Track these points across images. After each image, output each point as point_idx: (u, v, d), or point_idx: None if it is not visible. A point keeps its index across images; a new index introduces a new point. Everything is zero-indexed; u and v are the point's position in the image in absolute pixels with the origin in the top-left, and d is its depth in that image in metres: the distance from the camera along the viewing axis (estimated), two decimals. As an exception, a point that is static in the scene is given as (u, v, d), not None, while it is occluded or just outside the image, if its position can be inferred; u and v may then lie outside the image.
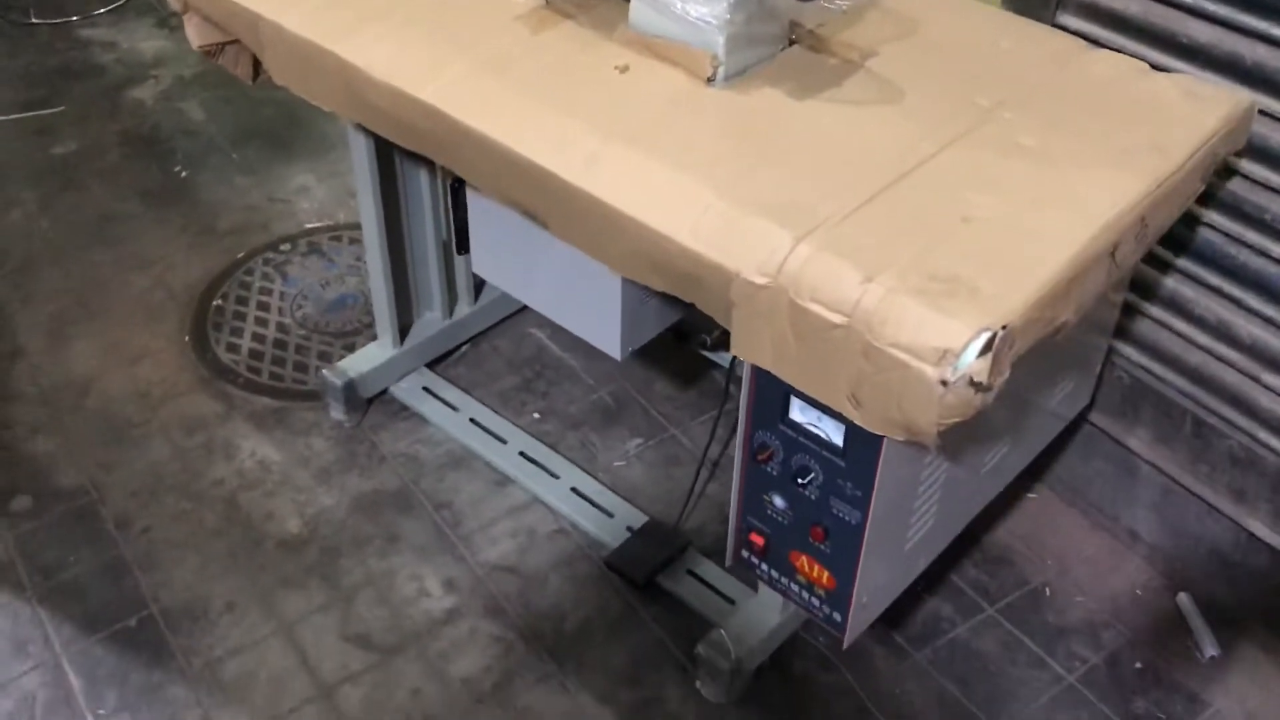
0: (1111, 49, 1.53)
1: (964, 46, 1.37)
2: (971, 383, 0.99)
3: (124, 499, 1.91)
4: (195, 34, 1.57)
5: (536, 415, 2.07)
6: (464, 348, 2.19)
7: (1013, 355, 1.02)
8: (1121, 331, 1.68)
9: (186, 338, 2.21)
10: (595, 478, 1.94)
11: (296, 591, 1.77)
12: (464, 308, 2.16)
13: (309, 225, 2.49)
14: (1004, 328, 1.00)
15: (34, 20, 3.15)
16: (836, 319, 1.04)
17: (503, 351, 2.19)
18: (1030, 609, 1.77)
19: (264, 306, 2.29)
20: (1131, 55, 1.51)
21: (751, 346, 1.13)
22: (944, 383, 0.99)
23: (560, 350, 2.18)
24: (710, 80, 1.29)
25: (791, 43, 1.36)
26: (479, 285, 2.16)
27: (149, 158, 2.68)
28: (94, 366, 2.14)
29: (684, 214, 1.14)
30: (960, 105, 1.27)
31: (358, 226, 2.42)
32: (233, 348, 2.19)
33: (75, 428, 2.03)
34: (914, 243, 1.08)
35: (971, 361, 0.98)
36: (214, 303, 2.29)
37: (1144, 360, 1.69)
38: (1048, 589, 1.80)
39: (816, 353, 1.07)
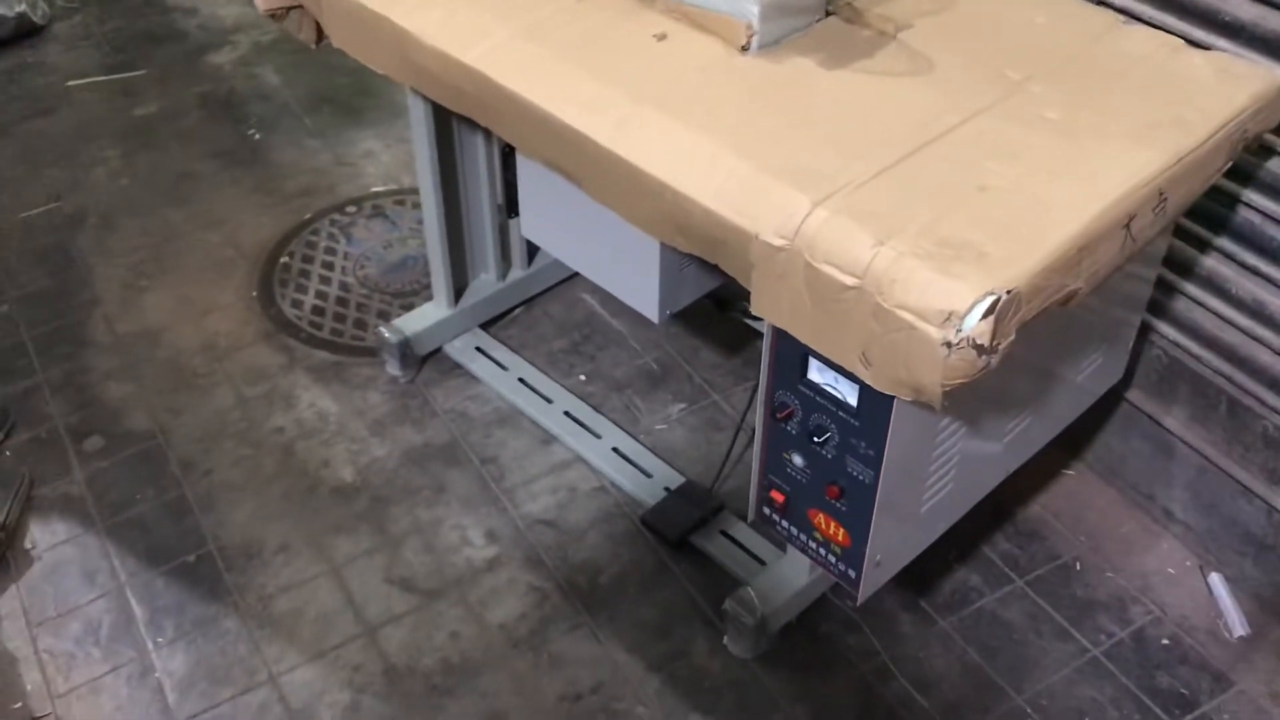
0: (1152, 25, 1.54)
1: (999, 21, 1.39)
2: (974, 345, 1.02)
3: (188, 443, 2.00)
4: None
5: (583, 377, 2.12)
6: (516, 310, 2.25)
7: (1018, 320, 1.05)
8: (1158, 309, 1.69)
9: (254, 293, 2.30)
10: (636, 439, 1.99)
11: (346, 536, 1.86)
12: (517, 271, 2.22)
13: (374, 189, 2.57)
14: (1009, 292, 1.03)
15: (122, -14, 3.28)
16: (849, 281, 1.08)
17: (554, 315, 2.25)
18: (1059, 582, 1.79)
19: (328, 265, 2.37)
20: (1173, 32, 1.52)
21: (770, 306, 1.17)
22: (948, 344, 1.02)
23: (609, 316, 2.24)
24: (745, 49, 1.33)
25: (828, 14, 1.39)
26: (532, 250, 2.22)
27: (224, 120, 2.78)
28: (165, 318, 2.24)
29: (708, 177, 1.18)
30: (989, 78, 1.29)
31: (420, 191, 2.50)
32: (297, 304, 2.28)
33: (146, 375, 2.13)
34: (928, 209, 1.12)
35: (975, 324, 1.01)
36: (280, 260, 2.38)
37: (1181, 339, 1.69)
38: (1078, 563, 1.81)
39: (830, 313, 1.11)
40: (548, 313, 2.26)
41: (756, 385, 2.00)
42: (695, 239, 1.21)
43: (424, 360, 2.14)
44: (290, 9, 1.65)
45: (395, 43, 1.43)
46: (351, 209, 2.51)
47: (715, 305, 1.89)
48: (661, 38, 1.35)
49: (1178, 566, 1.82)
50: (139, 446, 2.00)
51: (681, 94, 1.28)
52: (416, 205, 2.51)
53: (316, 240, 2.43)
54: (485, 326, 2.21)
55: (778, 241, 1.12)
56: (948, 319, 1.02)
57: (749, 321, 2.15)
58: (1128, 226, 1.14)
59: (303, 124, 2.76)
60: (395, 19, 1.42)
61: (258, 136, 2.73)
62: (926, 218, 1.10)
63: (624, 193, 1.26)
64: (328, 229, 2.46)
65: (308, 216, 2.49)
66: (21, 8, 3.00)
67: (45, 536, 1.86)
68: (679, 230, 1.22)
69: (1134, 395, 1.79)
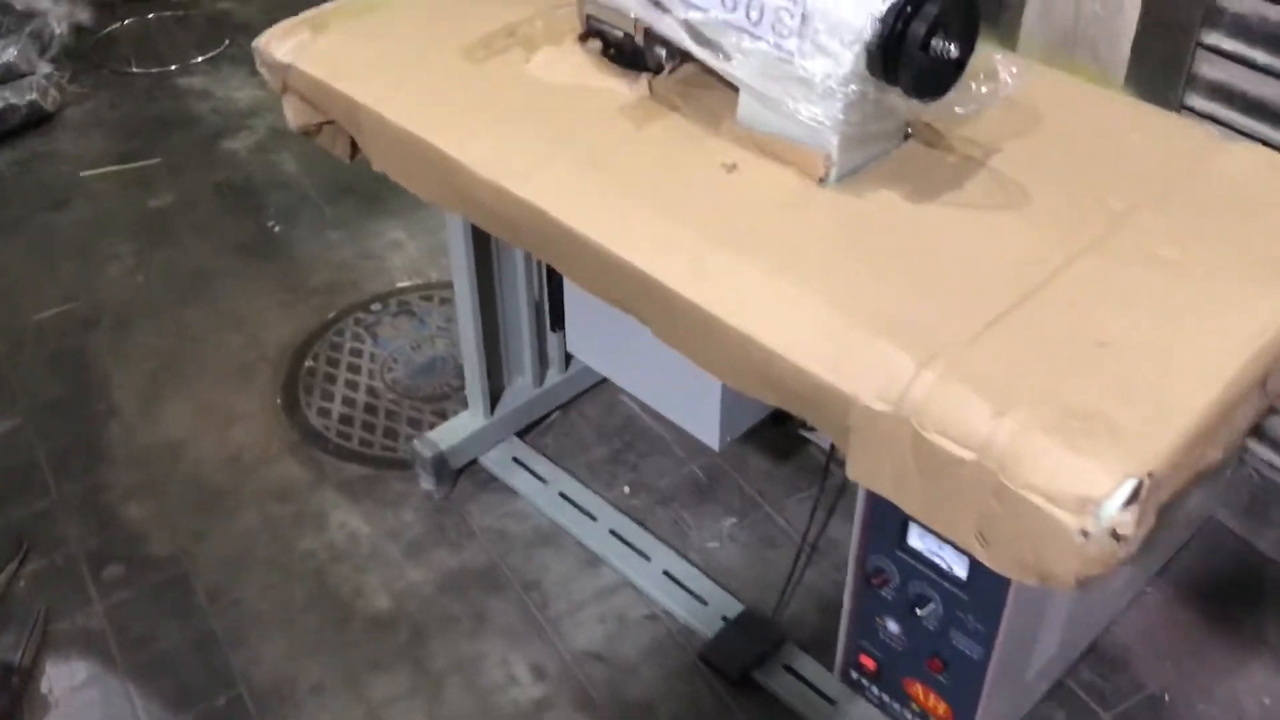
0: (1246, 136, 1.46)
1: (1091, 141, 1.30)
2: (1114, 535, 0.91)
3: (215, 569, 1.90)
4: (293, 114, 1.55)
5: (626, 489, 2.02)
6: (553, 415, 2.15)
7: (1158, 503, 0.94)
8: (1252, 429, 1.59)
9: (278, 400, 2.20)
10: (687, 559, 1.88)
11: (384, 674, 1.74)
12: (555, 375, 2.12)
13: (400, 284, 2.47)
14: (1150, 475, 0.92)
15: (134, 70, 3.20)
16: (965, 455, 0.98)
17: (592, 419, 2.15)
18: (1148, 716, 1.68)
19: (354, 369, 2.27)
20: (1269, 143, 1.43)
21: (870, 472, 1.07)
22: (1085, 533, 0.92)
23: (650, 420, 2.14)
24: (822, 181, 1.23)
25: (907, 136, 1.30)
26: (569, 352, 2.12)
27: (243, 211, 2.69)
28: (187, 429, 2.14)
29: (797, 330, 1.09)
30: (1090, 208, 1.20)
31: (448, 285, 2.40)
32: (323, 412, 2.17)
33: (168, 493, 2.02)
34: (1047, 371, 1.01)
35: (1115, 513, 0.91)
36: (305, 364, 2.28)
37: (1275, 459, 1.59)
38: (1166, 695, 1.70)
39: (941, 487, 1.01)
40: (585, 416, 2.16)
41: (817, 501, 1.91)
42: (782, 394, 1.11)
43: (459, 473, 2.03)
44: (324, 124, 1.56)
45: (443, 171, 1.34)
46: (377, 306, 2.42)
47: (771, 419, 1.79)
48: (731, 168, 1.26)
49: (1274, 695, 1.70)
50: (162, 574, 1.89)
51: (759, 233, 1.18)
52: (444, 301, 2.42)
53: (341, 341, 2.33)
54: (521, 434, 2.11)
55: (881, 407, 1.02)
56: (1084, 506, 0.92)
57: (805, 433, 2.05)
58: (1264, 384, 1.04)
59: (323, 214, 2.68)
60: (443, 146, 1.33)
61: (277, 228, 2.64)
62: (1046, 381, 1.00)
63: (700, 341, 1.16)
64: (353, 328, 2.36)
65: (332, 315, 2.39)
66: (32, 95, 2.92)
67: (63, 678, 1.75)
68: (764, 384, 1.12)
69: (1223, 514, 1.69)
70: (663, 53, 1.39)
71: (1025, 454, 0.96)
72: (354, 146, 1.59)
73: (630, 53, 1.41)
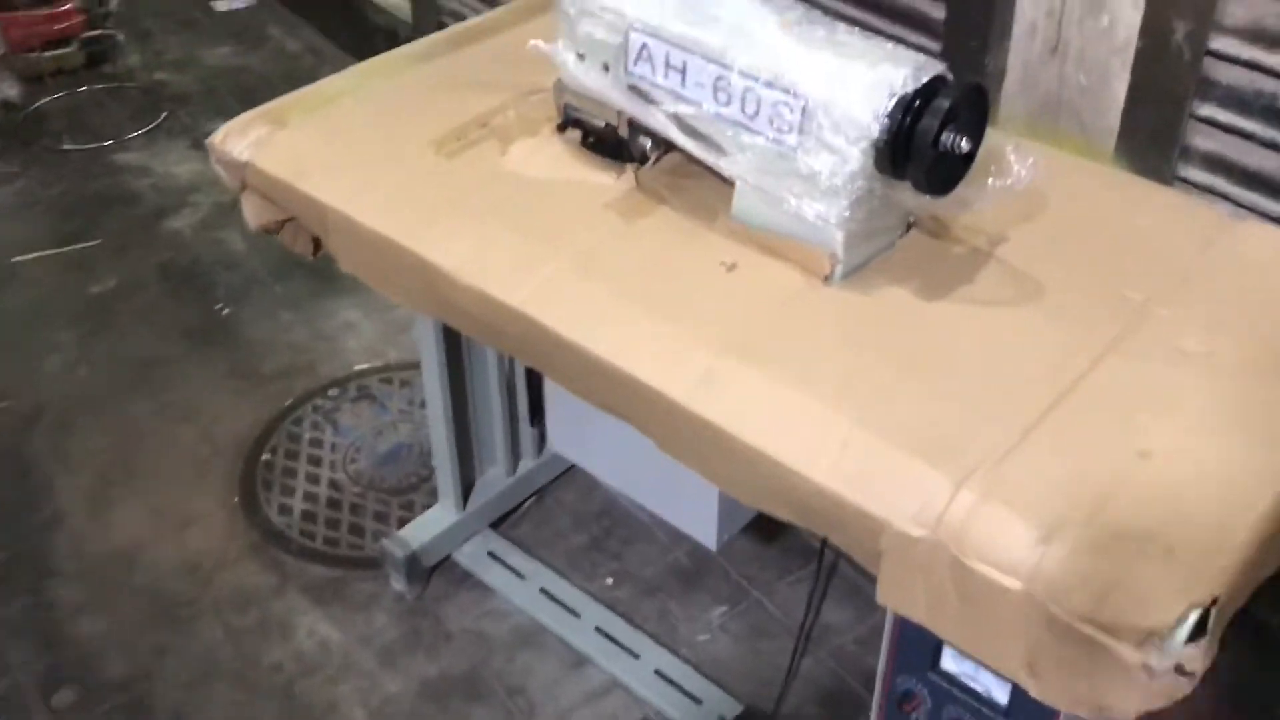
0: (1245, 208, 1.42)
1: (1099, 225, 1.25)
2: (1180, 670, 0.85)
3: (176, 690, 1.78)
4: (253, 213, 1.47)
5: (609, 580, 1.94)
6: (528, 502, 2.07)
7: (1220, 629, 0.88)
8: None
9: (236, 498, 2.09)
10: (678, 654, 1.80)
11: (364, 797, 1.64)
12: (528, 461, 2.04)
13: (358, 366, 2.38)
14: (1214, 600, 0.87)
15: (67, 147, 3.08)
16: (1011, 583, 0.92)
17: (569, 505, 2.07)
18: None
19: (315, 461, 2.17)
20: (1267, 215, 1.40)
21: (903, 598, 1.00)
22: (1148, 669, 0.86)
23: (630, 504, 2.06)
24: (827, 279, 1.17)
25: (910, 226, 1.24)
26: (543, 435, 2.04)
27: (189, 293, 2.58)
28: (140, 534, 2.02)
29: (819, 447, 1.02)
30: (1108, 301, 1.15)
31: (409, 366, 2.32)
32: (284, 509, 2.07)
33: (122, 606, 1.91)
34: (1090, 487, 0.96)
35: (1180, 646, 0.85)
36: (263, 457, 2.17)
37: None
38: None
39: (984, 614, 0.94)
40: (561, 502, 2.08)
41: (812, 595, 1.84)
42: (805, 514, 1.04)
43: (432, 571, 1.94)
44: (285, 221, 1.47)
45: (421, 276, 1.26)
46: (335, 392, 2.32)
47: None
48: (731, 268, 1.20)
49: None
50: (119, 698, 1.77)
51: (767, 338, 1.12)
52: (405, 383, 2.33)
53: (300, 431, 2.23)
54: (496, 524, 2.02)
55: (916, 532, 0.96)
56: (1147, 639, 0.86)
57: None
58: (1312, 488, 0.99)
59: (274, 293, 2.57)
60: (420, 251, 1.25)
61: (226, 311, 2.53)
62: (1091, 500, 0.94)
63: (710, 456, 1.09)
64: (311, 416, 2.26)
65: (288, 403, 2.29)
66: (-40, 178, 2.79)
67: (15, 820, 1.63)
68: (785, 503, 1.05)
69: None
70: (647, 143, 1.33)
71: (1077, 582, 0.89)
72: (317, 242, 1.50)
73: (612, 143, 1.35)
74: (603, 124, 1.34)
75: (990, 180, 1.10)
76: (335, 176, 1.35)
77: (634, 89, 1.26)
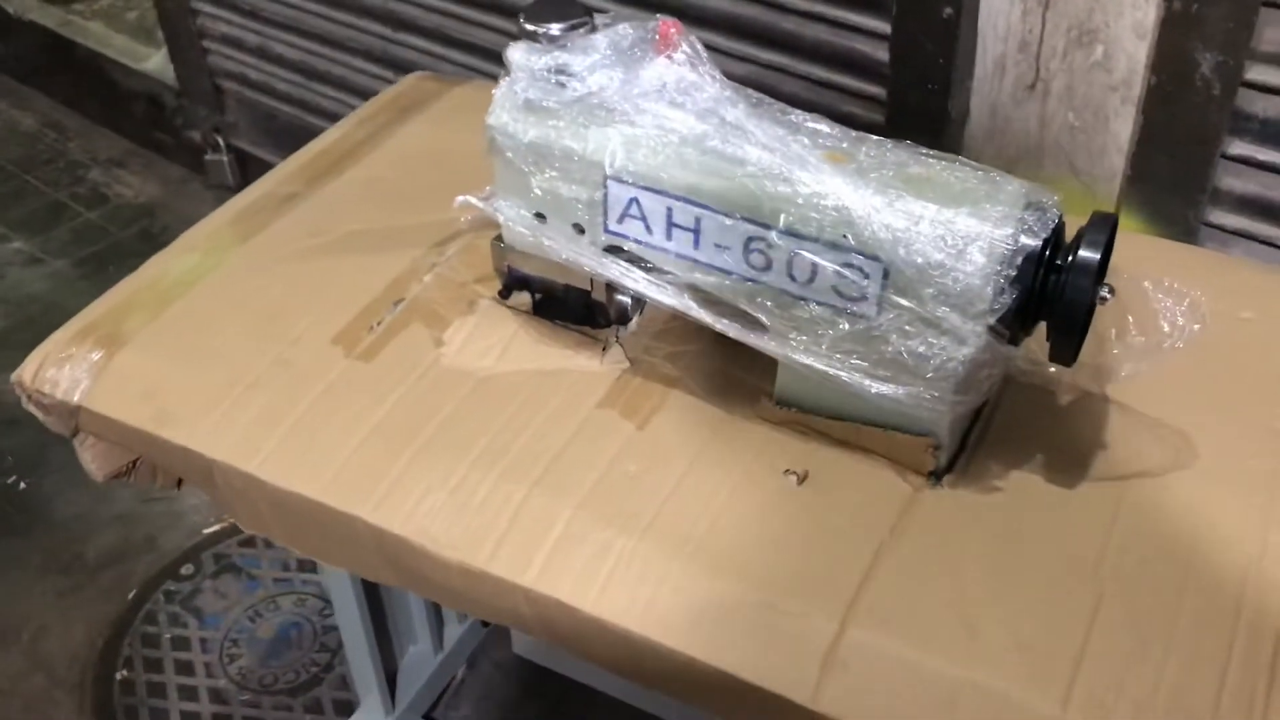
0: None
1: (1203, 331, 1.02)
2: None
3: None
4: (99, 464, 1.09)
5: (583, 757, 1.64)
6: (459, 674, 1.74)
7: None
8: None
9: (93, 741, 1.68)
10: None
11: None
12: (454, 628, 1.71)
13: (208, 529, 1.97)
14: None
15: None
16: None
17: (509, 668, 1.75)
18: None
19: (185, 668, 1.77)
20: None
21: None
22: None
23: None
24: (932, 475, 0.90)
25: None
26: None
27: (-30, 469, 2.10)
28: (-23, 821, 1.60)
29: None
30: (1267, 443, 0.92)
31: (273, 521, 1.93)
32: (161, 743, 1.67)
33: None
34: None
35: None
36: (117, 677, 1.76)
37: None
38: None
39: None
40: (501, 666, 1.75)
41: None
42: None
43: (368, 791, 1.59)
44: (134, 463, 1.10)
45: (376, 549, 0.92)
46: (188, 569, 1.91)
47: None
48: (803, 479, 0.91)
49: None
50: None
51: (893, 584, 0.84)
52: (270, 543, 1.94)
53: (156, 631, 1.82)
54: (430, 711, 1.68)
55: None
56: None
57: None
58: None
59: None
60: (367, 517, 0.91)
61: (22, 485, 2.07)
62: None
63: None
64: (166, 609, 1.85)
65: (132, 596, 1.87)
66: None
67: None
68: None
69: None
70: (628, 300, 1.02)
71: None
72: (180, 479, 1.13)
73: (579, 305, 1.03)
74: (563, 285, 1.02)
75: (1137, 336, 0.85)
76: (214, 416, 0.98)
77: (616, 249, 0.95)
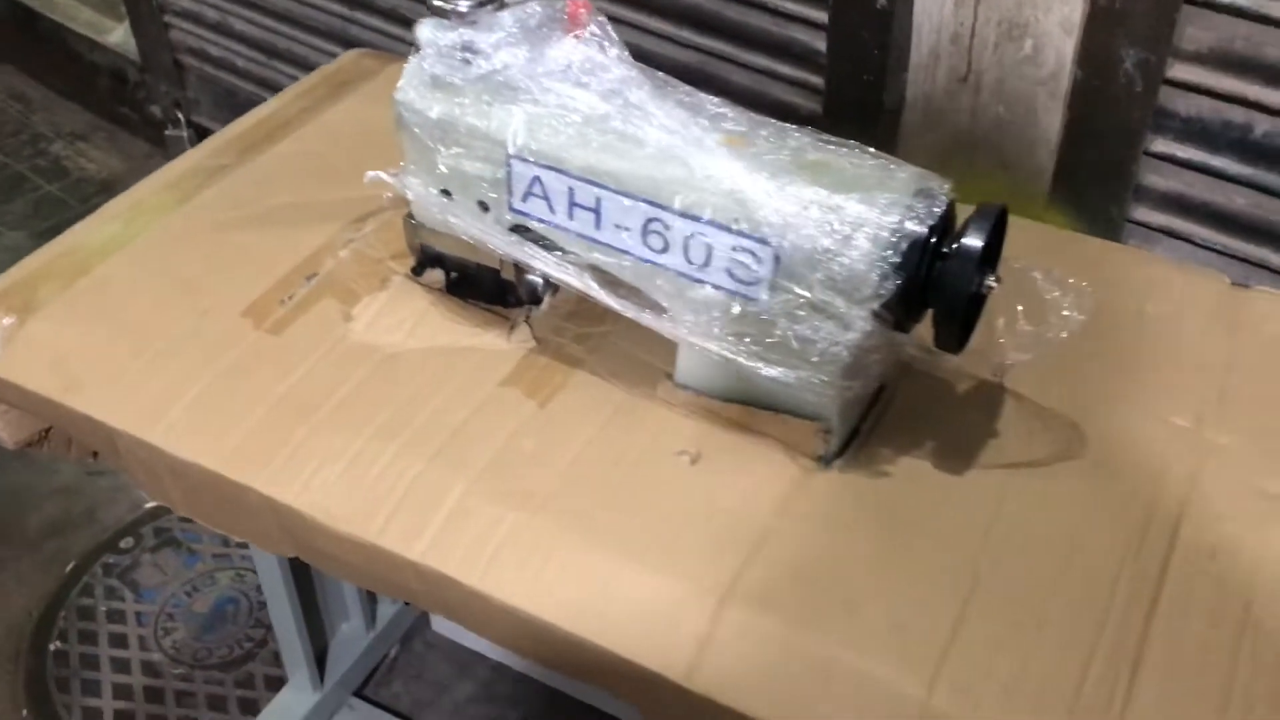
0: (1211, 250, 1.25)
1: (1107, 323, 1.03)
2: None
3: None
4: (9, 432, 1.08)
5: (512, 737, 1.65)
6: (392, 652, 1.74)
7: None
8: None
9: (25, 712, 1.68)
10: (610, 821, 1.54)
11: None
12: (387, 607, 1.71)
13: (149, 504, 1.97)
14: None
15: None
16: None
17: (443, 646, 1.75)
18: None
19: (119, 640, 1.77)
20: (1236, 256, 1.23)
21: None
22: None
23: (517, 633, 1.76)
24: (821, 459, 0.91)
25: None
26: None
27: (-85, 438, 2.09)
28: (-97, 788, 1.60)
29: (889, 728, 0.76)
30: (1157, 436, 0.93)
31: (215, 496, 1.93)
32: (92, 715, 1.67)
33: None
34: None
35: None
36: (50, 648, 1.76)
37: None
38: None
39: None
40: (434, 644, 1.76)
41: None
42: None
43: (295, 766, 1.60)
44: (45, 432, 1.10)
45: (274, 519, 0.93)
46: (127, 542, 1.91)
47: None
48: (695, 459, 0.91)
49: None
50: None
51: (777, 567, 0.84)
52: (215, 518, 1.94)
53: (93, 604, 1.82)
54: (361, 688, 1.69)
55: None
56: None
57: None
58: None
59: (26, 422, 2.11)
60: (263, 489, 0.91)
61: (-32, 455, 2.06)
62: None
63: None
64: (103, 581, 1.85)
65: (70, 568, 1.87)
66: None
67: None
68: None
69: None
70: (539, 280, 1.03)
71: None
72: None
73: (491, 284, 1.04)
74: (475, 264, 1.03)
75: (1024, 325, 0.85)
76: (120, 385, 0.99)
77: (522, 229, 0.95)
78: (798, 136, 0.88)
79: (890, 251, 0.80)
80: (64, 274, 1.09)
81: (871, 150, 0.87)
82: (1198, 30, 1.16)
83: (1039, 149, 1.32)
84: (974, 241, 0.80)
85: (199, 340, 1.02)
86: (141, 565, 1.88)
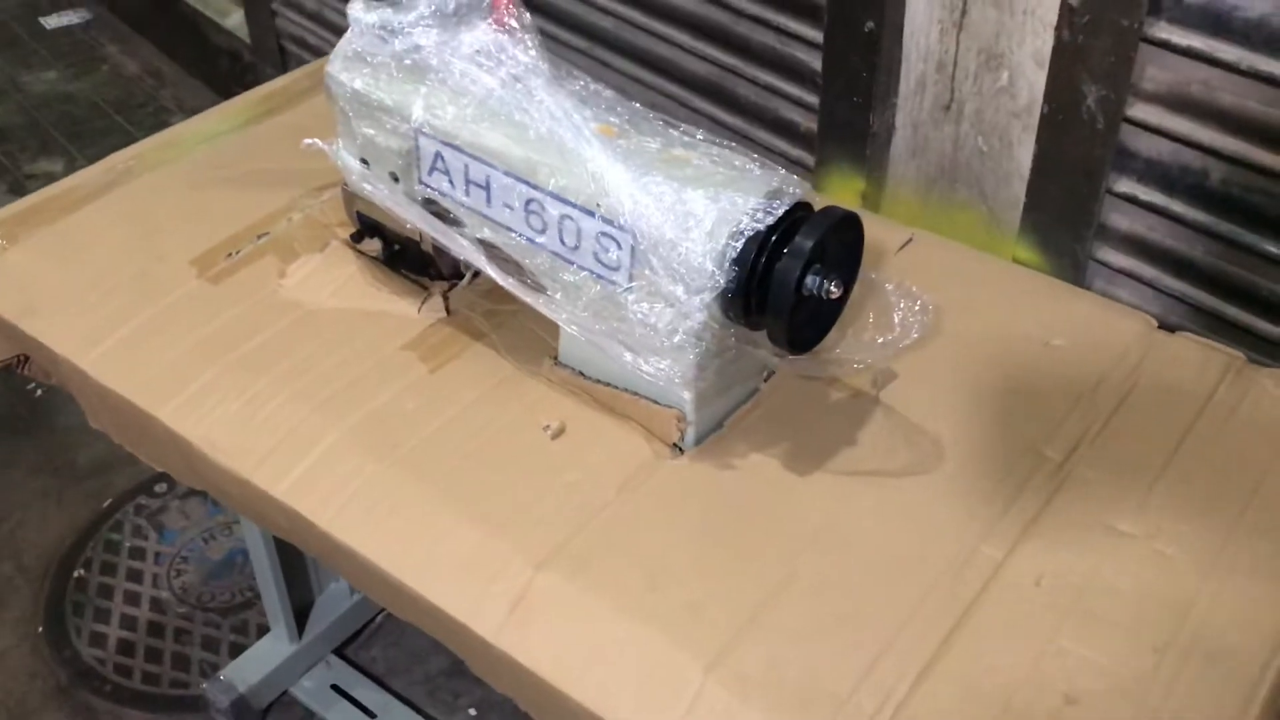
0: (1172, 297, 1.22)
1: (1005, 352, 1.03)
2: None
3: None
4: (-12, 350, 1.19)
5: (473, 712, 1.69)
6: (377, 618, 1.81)
7: None
8: None
9: (40, 628, 1.81)
10: (550, 803, 1.56)
11: None
12: (377, 573, 1.78)
13: (189, 454, 2.09)
14: None
15: None
16: None
17: (428, 618, 1.81)
18: None
19: (135, 576, 1.89)
20: (1198, 306, 1.20)
21: None
22: None
23: (497, 614, 1.81)
24: (677, 446, 0.93)
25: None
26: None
27: (-3, 372, 2.27)
28: (-80, 683, 1.74)
29: (664, 703, 0.78)
30: (1022, 462, 0.93)
31: (247, 454, 2.04)
32: (98, 639, 1.79)
33: (-106, 779, 1.62)
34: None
35: None
36: (74, 574, 1.89)
37: None
38: None
39: None
40: (419, 614, 1.82)
41: None
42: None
43: (266, 711, 1.68)
44: (20, 358, 1.20)
45: (175, 449, 1.00)
46: (161, 488, 2.03)
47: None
48: (558, 433, 0.95)
49: None
50: None
51: (599, 540, 0.88)
52: (243, 473, 2.05)
53: (120, 539, 1.94)
54: (342, 648, 1.76)
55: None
56: None
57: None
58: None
59: (95, 368, 2.27)
60: (166, 420, 0.99)
61: (39, 392, 2.22)
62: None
63: (533, 699, 0.85)
64: (132, 519, 1.98)
65: (106, 504, 2.00)
66: None
67: None
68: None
69: None
70: (461, 257, 1.08)
71: None
72: (75, 375, 1.23)
73: (419, 255, 1.09)
74: (404, 236, 1.09)
75: (872, 334, 0.87)
76: (69, 314, 1.08)
77: (431, 203, 1.01)
78: (676, 134, 0.91)
79: (727, 246, 0.83)
80: (52, 212, 1.19)
81: (748, 153, 0.89)
82: (1157, 70, 1.14)
83: (1013, 182, 1.32)
84: (803, 241, 0.82)
85: (145, 282, 1.10)
86: (169, 509, 1.99)
